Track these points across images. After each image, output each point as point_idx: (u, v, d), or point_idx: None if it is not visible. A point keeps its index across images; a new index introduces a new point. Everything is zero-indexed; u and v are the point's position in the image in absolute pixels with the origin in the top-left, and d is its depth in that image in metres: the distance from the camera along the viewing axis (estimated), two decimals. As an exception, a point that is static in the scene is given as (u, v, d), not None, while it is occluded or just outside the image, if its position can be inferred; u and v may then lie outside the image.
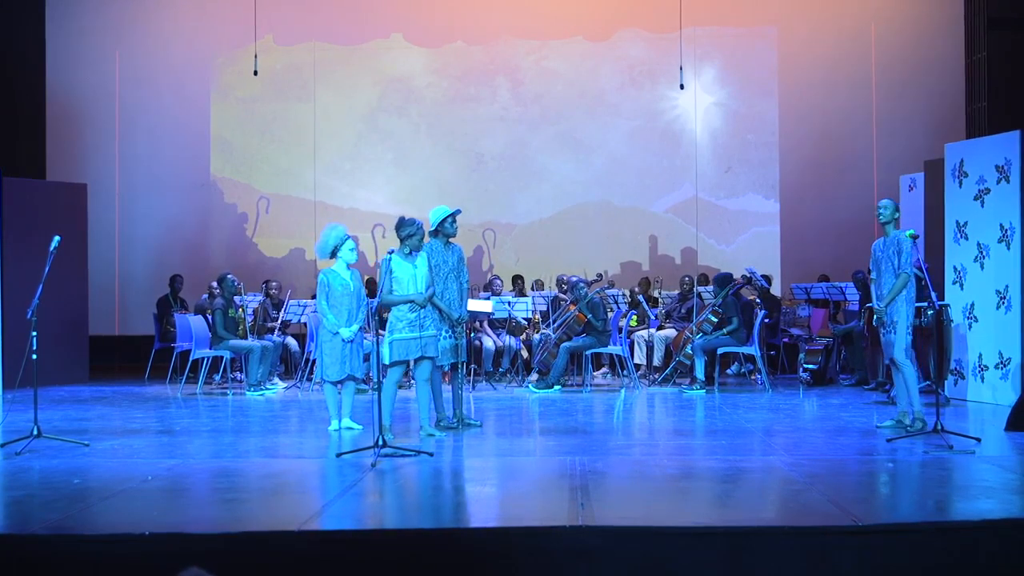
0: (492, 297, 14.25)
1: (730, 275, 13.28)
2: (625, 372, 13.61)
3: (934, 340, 10.75)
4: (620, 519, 5.78)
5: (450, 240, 9.49)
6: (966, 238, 11.61)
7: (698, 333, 12.66)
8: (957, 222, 11.73)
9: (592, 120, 17.38)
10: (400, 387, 9.74)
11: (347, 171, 17.53)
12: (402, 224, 8.90)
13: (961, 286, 11.68)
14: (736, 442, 8.59)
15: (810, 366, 13.36)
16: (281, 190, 17.56)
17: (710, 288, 14.06)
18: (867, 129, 17.22)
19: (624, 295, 14.67)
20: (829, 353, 13.59)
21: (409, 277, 8.79)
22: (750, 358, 13.71)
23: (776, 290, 15.77)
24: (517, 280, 15.94)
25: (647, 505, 6.40)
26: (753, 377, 14.00)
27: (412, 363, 9.11)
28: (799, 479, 6.95)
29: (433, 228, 9.38)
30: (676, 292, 15.09)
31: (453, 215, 9.41)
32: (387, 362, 8.80)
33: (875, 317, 9.23)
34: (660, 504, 6.43)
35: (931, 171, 13.25)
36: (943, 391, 11.05)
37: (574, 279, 13.70)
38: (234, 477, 7.24)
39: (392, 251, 8.82)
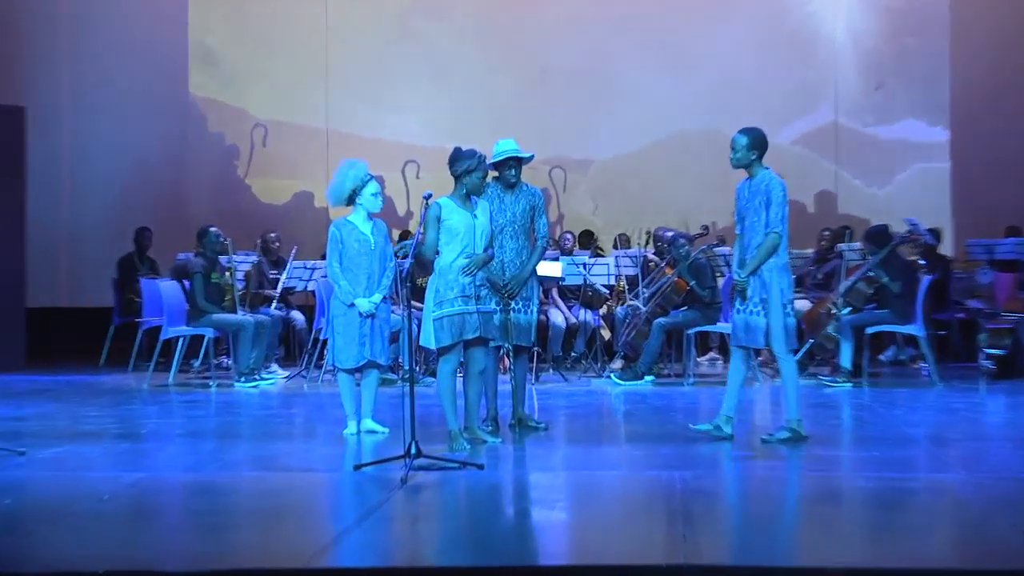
0: (562, 258, 14.13)
1: (886, 228, 13.19)
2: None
3: None
4: (736, 556, 5.86)
5: (513, 186, 9.62)
6: None
7: (844, 307, 12.52)
8: None
9: (696, 23, 17.23)
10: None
11: (369, 92, 17.62)
12: (457, 157, 8.88)
13: None
14: (894, 454, 8.52)
15: (995, 351, 13.07)
16: (283, 116, 17.65)
17: (857, 246, 13.70)
18: (1073, 32, 17.09)
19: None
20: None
21: (466, 228, 8.76)
22: (912, 340, 13.55)
23: (946, 248, 15.58)
24: (588, 238, 16.02)
25: (772, 538, 6.38)
26: (916, 366, 13.94)
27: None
28: (981, 505, 6.92)
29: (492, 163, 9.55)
30: (810, 251, 14.89)
31: (512, 160, 9.52)
32: (433, 347, 8.78)
33: (734, 288, 9.21)
34: (790, 537, 6.45)
35: None
36: None
37: (671, 234, 13.66)
38: (219, 497, 7.29)
39: (428, 194, 8.71)
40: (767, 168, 9.04)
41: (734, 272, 9.14)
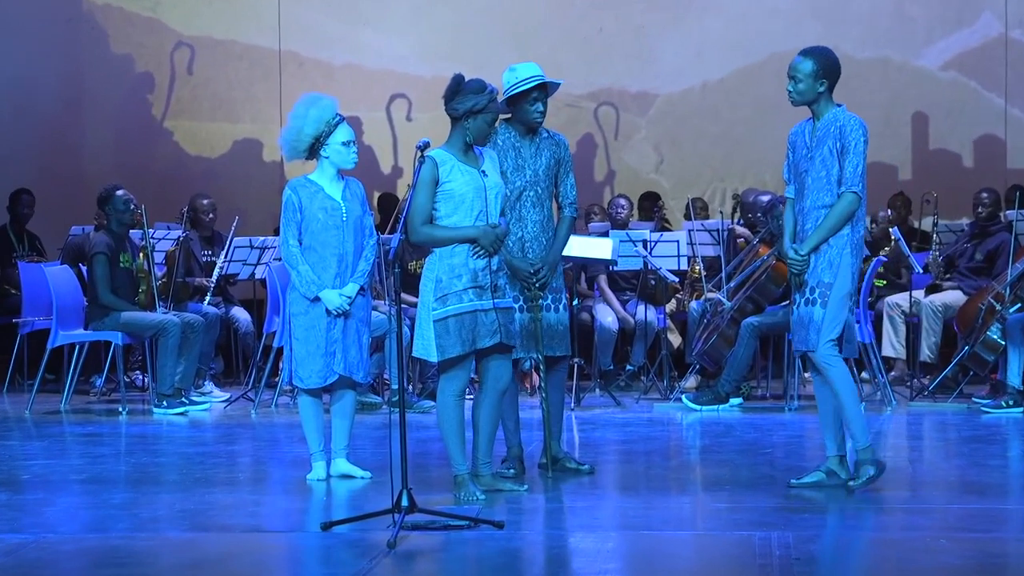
0: (613, 233, 13.88)
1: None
2: (865, 373, 13.51)
3: None
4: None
5: (533, 130, 9.52)
6: None
7: (1013, 303, 12.31)
8: None
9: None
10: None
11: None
12: (459, 90, 8.74)
13: None
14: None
15: None
16: (217, 32, 17.53)
17: (1030, 213, 13.26)
18: None
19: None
20: None
21: (476, 192, 8.77)
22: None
23: None
24: (650, 204, 15.75)
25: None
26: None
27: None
28: None
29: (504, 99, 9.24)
30: (965, 221, 14.86)
31: (539, 87, 9.40)
32: (434, 359, 8.74)
33: (789, 273, 9.04)
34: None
35: None
36: None
37: (768, 198, 13.54)
38: (132, 567, 7.22)
39: (425, 142, 8.51)
40: (839, 105, 8.97)
41: (787, 248, 8.98)
